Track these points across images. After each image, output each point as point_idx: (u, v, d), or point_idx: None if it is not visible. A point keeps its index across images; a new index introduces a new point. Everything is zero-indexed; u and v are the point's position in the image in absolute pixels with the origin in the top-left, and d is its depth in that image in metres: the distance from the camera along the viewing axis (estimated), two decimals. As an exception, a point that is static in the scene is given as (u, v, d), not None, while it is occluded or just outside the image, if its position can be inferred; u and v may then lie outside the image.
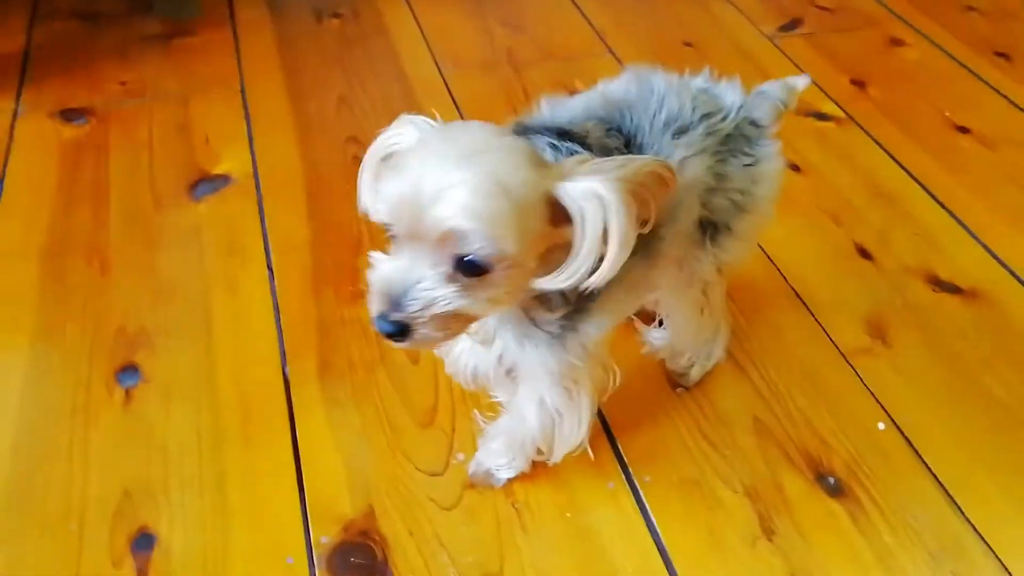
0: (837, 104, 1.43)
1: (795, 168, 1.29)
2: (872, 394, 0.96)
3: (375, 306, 0.57)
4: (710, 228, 0.78)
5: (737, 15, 1.69)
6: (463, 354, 0.75)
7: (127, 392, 0.92)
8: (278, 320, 1.02)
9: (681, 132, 0.70)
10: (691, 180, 0.70)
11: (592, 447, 0.84)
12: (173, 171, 1.23)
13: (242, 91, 1.40)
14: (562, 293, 0.63)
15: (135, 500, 0.83)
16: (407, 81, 1.46)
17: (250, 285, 1.06)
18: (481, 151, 0.54)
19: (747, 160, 0.76)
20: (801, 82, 0.80)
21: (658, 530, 0.82)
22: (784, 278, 1.11)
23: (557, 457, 0.79)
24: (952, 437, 0.92)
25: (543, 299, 0.64)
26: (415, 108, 1.40)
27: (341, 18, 1.62)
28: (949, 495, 0.86)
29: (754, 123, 0.77)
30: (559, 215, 0.56)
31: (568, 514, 0.83)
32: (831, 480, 0.87)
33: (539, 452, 0.81)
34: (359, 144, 1.31)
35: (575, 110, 0.70)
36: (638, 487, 0.86)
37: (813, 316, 1.06)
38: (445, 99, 1.42)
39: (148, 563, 0.78)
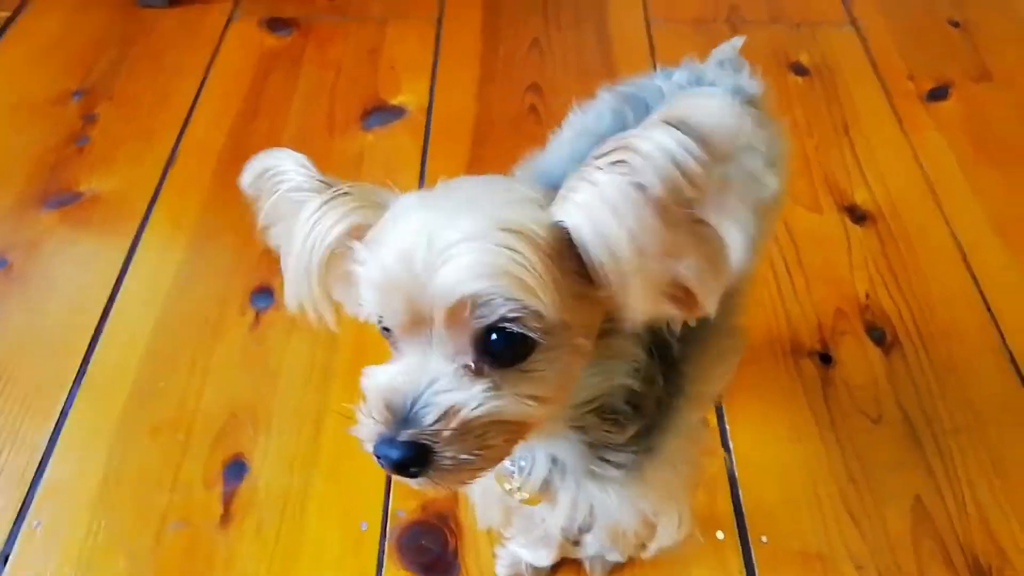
0: None
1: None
2: (1091, 511, 0.76)
3: (373, 427, 0.39)
4: None
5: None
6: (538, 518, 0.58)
7: (257, 315, 0.93)
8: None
9: None
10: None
11: (709, 487, 0.73)
12: (353, 95, 1.22)
13: (438, 22, 1.36)
14: (635, 402, 0.46)
15: (239, 424, 0.83)
16: (607, 31, 1.34)
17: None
18: (477, 196, 0.41)
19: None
20: (738, 41, 0.69)
21: (765, 605, 0.71)
22: (1001, 337, 0.90)
23: (651, 552, 0.66)
24: None
25: (609, 413, 0.46)
26: (609, 63, 1.30)
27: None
28: None
29: (752, 102, 0.62)
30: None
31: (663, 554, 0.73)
32: (1001, 602, 0.70)
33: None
34: (539, 93, 1.22)
35: (560, 157, 0.55)
36: (751, 546, 0.74)
37: (1034, 393, 0.85)
38: (644, 56, 1.29)
39: (235, 492, 0.78)
